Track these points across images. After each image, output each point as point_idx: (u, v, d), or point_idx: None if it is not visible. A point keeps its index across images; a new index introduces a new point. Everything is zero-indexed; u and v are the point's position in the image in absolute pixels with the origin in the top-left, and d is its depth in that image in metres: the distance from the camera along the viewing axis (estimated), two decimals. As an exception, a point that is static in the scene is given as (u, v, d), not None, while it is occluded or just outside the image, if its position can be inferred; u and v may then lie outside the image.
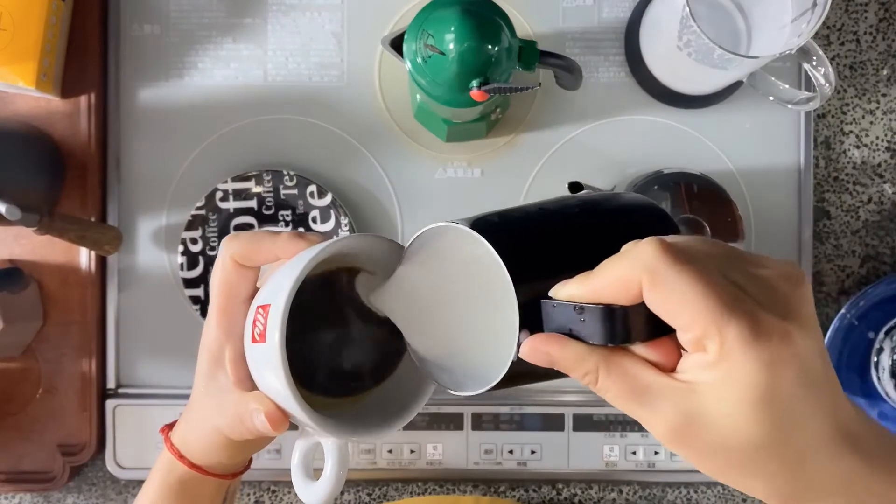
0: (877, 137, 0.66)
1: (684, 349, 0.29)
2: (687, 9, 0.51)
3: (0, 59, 0.59)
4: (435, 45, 0.49)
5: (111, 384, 0.65)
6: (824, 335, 0.64)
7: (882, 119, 0.66)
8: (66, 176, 0.64)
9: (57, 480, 0.64)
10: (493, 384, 0.32)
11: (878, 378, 0.64)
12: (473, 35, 0.48)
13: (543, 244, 0.33)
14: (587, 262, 0.30)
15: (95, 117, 0.64)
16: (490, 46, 0.49)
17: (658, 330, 0.29)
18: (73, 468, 0.64)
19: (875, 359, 0.64)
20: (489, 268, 0.31)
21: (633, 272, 0.28)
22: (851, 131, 0.66)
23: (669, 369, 0.29)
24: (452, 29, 0.48)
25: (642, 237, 0.30)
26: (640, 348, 0.30)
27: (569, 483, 0.67)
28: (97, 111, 0.65)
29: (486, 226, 0.32)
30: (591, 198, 0.36)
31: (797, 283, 0.30)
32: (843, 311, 0.63)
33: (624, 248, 0.30)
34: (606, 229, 0.34)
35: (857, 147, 0.66)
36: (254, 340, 0.38)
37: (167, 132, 0.65)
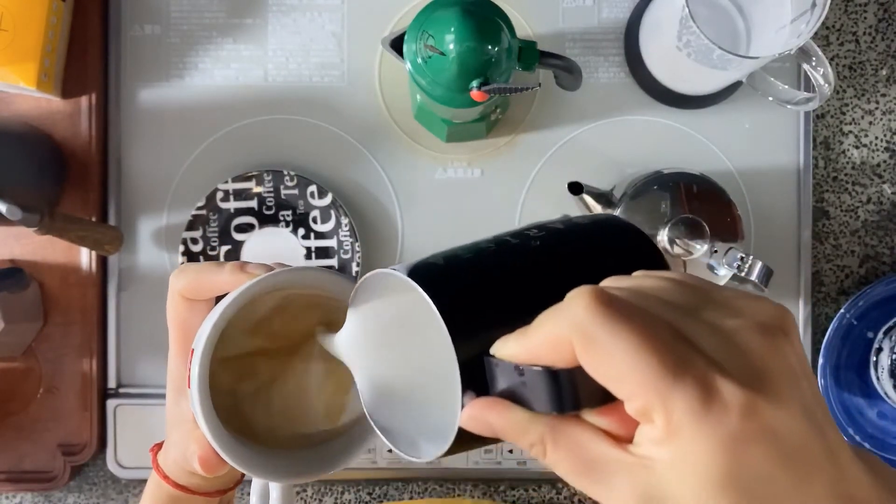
0: (876, 138, 0.66)
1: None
2: (686, 9, 0.51)
3: (1, 59, 0.59)
4: (435, 45, 0.49)
5: (112, 384, 0.65)
6: (823, 335, 0.64)
7: (881, 119, 0.67)
8: (66, 176, 0.65)
9: (58, 480, 0.64)
10: (441, 452, 0.28)
11: (878, 378, 0.64)
12: (473, 35, 0.48)
13: (490, 289, 0.28)
14: (541, 308, 0.26)
15: (96, 117, 0.64)
16: (490, 47, 0.49)
17: (608, 395, 0.25)
18: (74, 468, 0.65)
19: (874, 358, 0.64)
20: (431, 319, 0.27)
21: (564, 332, 0.24)
22: (850, 131, 0.67)
23: (627, 439, 0.25)
24: (452, 29, 0.48)
25: (609, 274, 0.27)
26: (591, 415, 0.25)
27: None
28: (98, 111, 0.65)
29: (427, 271, 0.28)
30: (558, 227, 0.32)
31: (774, 335, 0.25)
32: (842, 311, 0.63)
33: (566, 297, 0.25)
34: (567, 267, 0.30)
35: (857, 147, 0.66)
36: (187, 384, 0.37)
37: (168, 132, 0.66)
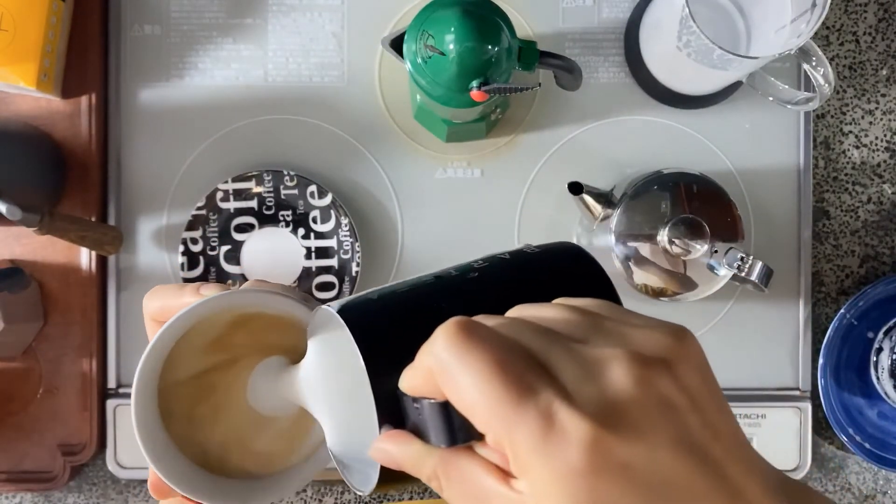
0: (876, 137, 0.66)
1: None
2: (686, 9, 0.51)
3: (1, 59, 0.59)
4: (435, 45, 0.49)
5: (112, 384, 0.65)
6: (823, 335, 0.64)
7: (881, 119, 0.66)
8: (66, 176, 0.65)
9: (58, 480, 0.64)
10: (371, 487, 0.28)
11: (878, 378, 0.64)
12: (473, 35, 0.48)
13: (413, 324, 0.28)
14: None
15: (96, 117, 0.64)
16: (490, 47, 0.49)
17: None
18: (74, 468, 0.65)
19: (874, 359, 0.64)
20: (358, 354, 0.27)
21: (428, 363, 0.24)
22: (851, 131, 0.66)
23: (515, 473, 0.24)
24: (452, 29, 0.48)
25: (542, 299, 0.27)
26: (482, 447, 0.25)
27: (569, 483, 0.67)
28: (98, 111, 0.65)
29: (358, 307, 0.28)
30: (503, 258, 0.31)
31: (648, 366, 0.23)
32: (842, 311, 0.63)
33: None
34: (500, 299, 0.29)
35: (857, 147, 0.66)
36: None
37: (167, 132, 0.66)
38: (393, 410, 0.27)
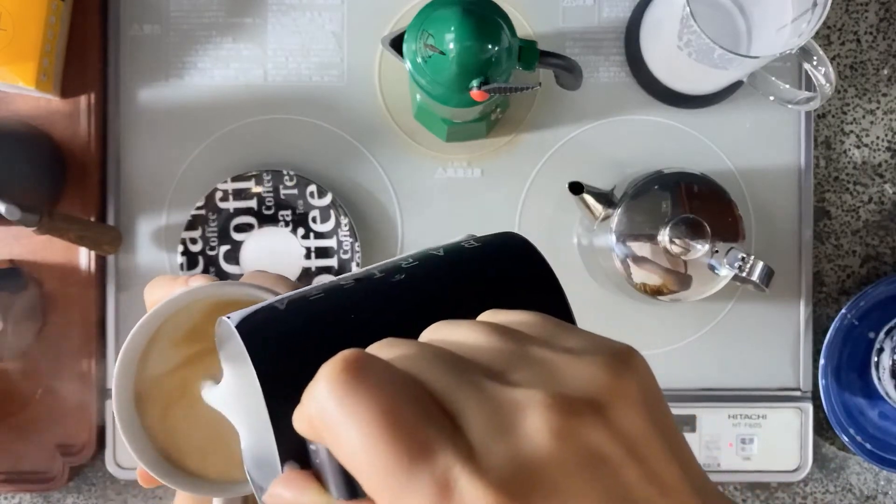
0: (877, 137, 0.66)
1: None
2: (687, 8, 0.51)
3: (0, 58, 0.59)
4: (435, 44, 0.49)
5: (111, 384, 0.65)
6: (824, 335, 0.63)
7: (882, 119, 0.66)
8: (65, 176, 0.64)
9: (56, 480, 0.64)
10: None
11: (879, 378, 0.64)
12: (473, 35, 0.48)
13: (322, 340, 0.24)
14: None
15: (95, 117, 0.64)
16: (490, 46, 0.49)
17: None
18: (73, 468, 0.64)
19: (875, 359, 0.64)
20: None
21: (309, 409, 0.20)
22: (852, 131, 0.66)
23: None
24: (452, 29, 0.48)
25: (481, 309, 0.23)
26: None
27: (569, 483, 0.67)
28: (97, 111, 0.64)
29: (259, 319, 0.24)
30: (436, 255, 0.27)
31: (574, 415, 0.19)
32: (843, 311, 0.63)
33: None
34: (426, 306, 0.25)
35: (858, 147, 0.66)
36: None
37: (167, 132, 0.65)
38: (299, 445, 0.22)
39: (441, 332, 0.23)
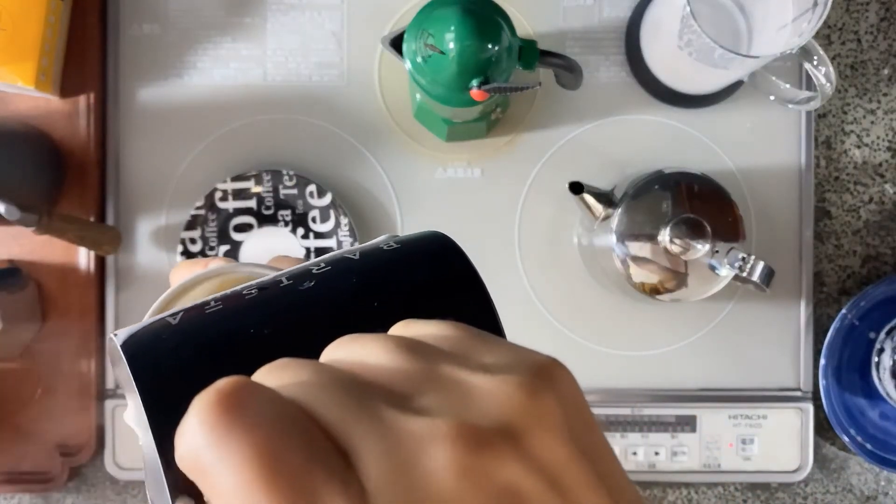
0: (878, 137, 0.66)
1: None
2: (688, 8, 0.51)
3: (-1, 58, 0.59)
4: (435, 44, 0.49)
5: (110, 384, 0.65)
6: (825, 336, 0.63)
7: (883, 119, 0.66)
8: (65, 176, 0.64)
9: (56, 481, 0.64)
10: None
11: (879, 378, 0.64)
12: (473, 34, 0.48)
13: (218, 360, 0.21)
14: None
15: (95, 117, 0.64)
16: (490, 46, 0.49)
17: None
18: (73, 469, 0.64)
19: (876, 359, 0.64)
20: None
21: (180, 450, 0.18)
22: (852, 131, 0.66)
23: None
24: (452, 28, 0.48)
25: (394, 320, 0.21)
26: None
27: (569, 483, 0.67)
28: (96, 111, 0.64)
29: (147, 337, 0.21)
30: (350, 259, 0.24)
31: (483, 448, 0.17)
32: (843, 311, 0.63)
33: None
34: (334, 318, 0.23)
35: (858, 147, 0.66)
36: None
37: (166, 132, 0.65)
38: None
39: (343, 350, 0.20)
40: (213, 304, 0.23)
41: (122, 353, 0.21)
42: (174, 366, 0.21)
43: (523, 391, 0.18)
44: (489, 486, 0.16)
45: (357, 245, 0.26)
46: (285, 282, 0.23)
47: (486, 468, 0.17)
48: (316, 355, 0.20)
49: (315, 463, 0.16)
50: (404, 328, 0.21)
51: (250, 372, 0.19)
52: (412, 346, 0.19)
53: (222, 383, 0.17)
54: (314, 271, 0.24)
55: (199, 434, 0.17)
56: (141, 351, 0.21)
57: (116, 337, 0.22)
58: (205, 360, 0.21)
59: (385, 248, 0.25)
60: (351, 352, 0.20)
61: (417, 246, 0.26)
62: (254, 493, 0.16)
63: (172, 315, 0.22)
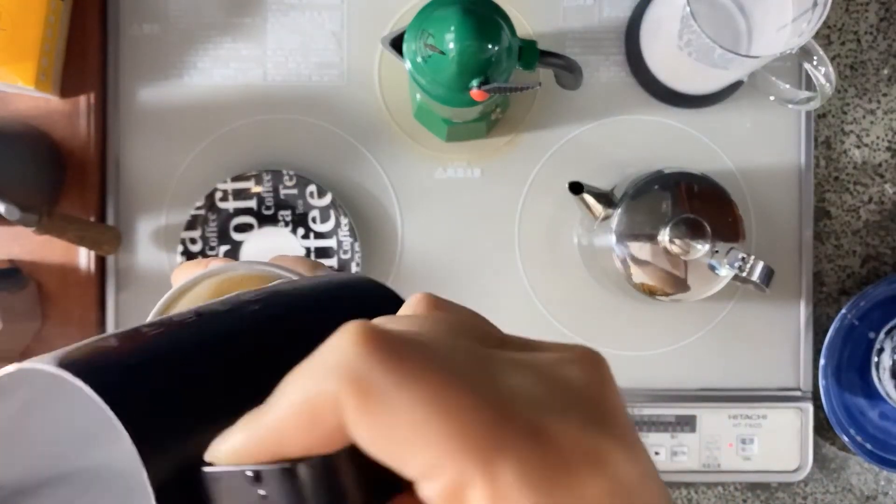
0: (877, 137, 0.66)
1: None
2: (688, 8, 0.51)
3: (-1, 58, 0.59)
4: (435, 44, 0.49)
5: (110, 384, 0.65)
6: (824, 336, 0.63)
7: (883, 119, 0.66)
8: (65, 176, 0.64)
9: (56, 481, 0.64)
10: None
11: (879, 378, 0.64)
12: (473, 34, 0.48)
13: (191, 376, 0.20)
14: (264, 390, 0.18)
15: (95, 117, 0.64)
16: (490, 46, 0.49)
17: (390, 484, 0.17)
18: (73, 468, 0.64)
19: (876, 359, 0.64)
20: (101, 430, 0.18)
21: (327, 388, 0.17)
22: (852, 131, 0.66)
23: None
24: (452, 28, 0.48)
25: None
26: None
27: (569, 483, 0.67)
28: (96, 111, 0.64)
29: (93, 362, 0.20)
30: (285, 290, 0.25)
31: (596, 367, 0.19)
32: (843, 311, 0.63)
33: (322, 346, 0.18)
34: (301, 329, 0.22)
35: (858, 147, 0.66)
36: None
37: (167, 132, 0.65)
38: (186, 498, 0.18)
39: (405, 320, 0.21)
40: (149, 329, 0.22)
41: (58, 370, 0.19)
42: (131, 378, 0.19)
43: (584, 346, 0.20)
44: (618, 403, 0.19)
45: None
46: (220, 309, 0.23)
47: (611, 390, 0.19)
48: (272, 359, 0.20)
49: (486, 382, 0.17)
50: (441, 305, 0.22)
51: (211, 375, 0.20)
52: (473, 313, 0.21)
53: (358, 323, 0.17)
54: (250, 298, 0.24)
55: (365, 361, 0.17)
56: (90, 366, 0.20)
57: (37, 363, 0.19)
58: (162, 368, 0.20)
59: (315, 282, 0.27)
60: (421, 320, 0.20)
61: (350, 281, 0.27)
62: (463, 417, 0.16)
63: (105, 339, 0.21)
